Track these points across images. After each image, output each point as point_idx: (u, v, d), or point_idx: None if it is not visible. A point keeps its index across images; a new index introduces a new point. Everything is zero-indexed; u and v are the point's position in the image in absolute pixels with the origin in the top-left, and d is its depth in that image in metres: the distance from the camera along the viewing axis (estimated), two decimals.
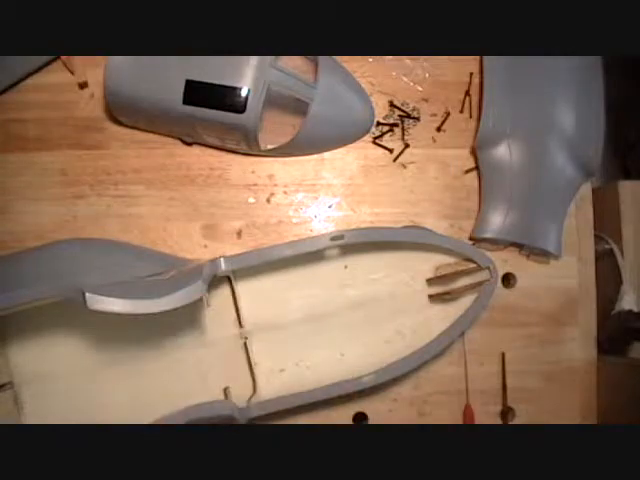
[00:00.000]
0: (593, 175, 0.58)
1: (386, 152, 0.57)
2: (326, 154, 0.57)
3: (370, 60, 0.58)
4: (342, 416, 0.55)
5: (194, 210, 0.55)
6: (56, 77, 0.55)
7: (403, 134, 0.57)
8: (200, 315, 0.50)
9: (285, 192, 0.56)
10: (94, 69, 0.54)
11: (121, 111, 0.53)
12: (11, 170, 0.55)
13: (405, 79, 0.58)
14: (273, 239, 0.55)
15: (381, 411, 0.55)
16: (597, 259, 0.59)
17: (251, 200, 0.56)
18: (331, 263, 0.52)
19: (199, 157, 0.56)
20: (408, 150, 0.57)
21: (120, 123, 0.55)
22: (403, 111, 0.57)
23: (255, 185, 0.56)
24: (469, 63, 0.59)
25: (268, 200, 0.56)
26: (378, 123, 0.57)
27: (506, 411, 0.57)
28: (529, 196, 0.56)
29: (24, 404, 0.48)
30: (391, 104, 0.57)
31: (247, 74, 0.48)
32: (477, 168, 0.58)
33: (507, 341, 0.57)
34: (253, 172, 0.56)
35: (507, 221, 0.55)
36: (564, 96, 0.56)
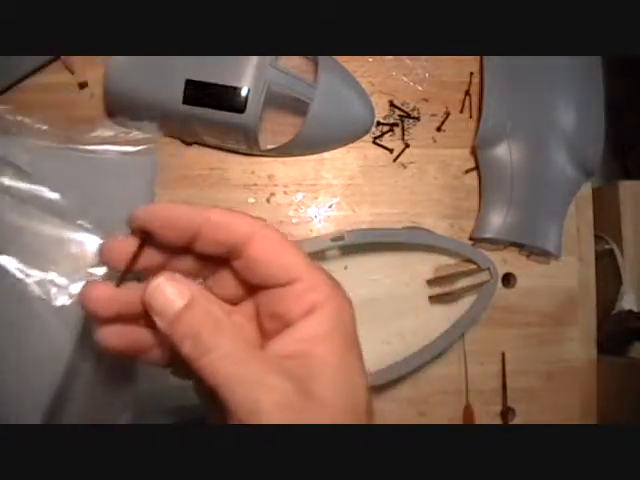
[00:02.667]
0: (593, 175, 0.58)
1: (386, 152, 0.57)
2: (326, 154, 0.57)
3: (370, 60, 0.58)
4: None
5: None
6: (56, 77, 0.55)
7: (403, 134, 0.57)
8: None
9: (285, 192, 0.56)
10: (94, 69, 0.54)
11: (121, 111, 0.53)
12: None
13: (405, 79, 0.58)
14: None
15: (381, 411, 0.56)
16: (597, 259, 0.59)
17: (251, 200, 0.56)
18: (331, 264, 0.52)
19: (199, 157, 0.56)
20: (408, 150, 0.57)
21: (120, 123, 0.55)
22: (403, 111, 0.57)
23: (255, 185, 0.56)
24: (469, 63, 0.59)
25: (268, 200, 0.56)
26: (378, 123, 0.57)
27: (506, 411, 0.57)
28: (529, 196, 0.56)
29: None
30: (391, 104, 0.57)
31: (247, 74, 0.48)
32: (477, 168, 0.57)
33: (507, 341, 0.57)
34: (253, 172, 0.56)
35: (507, 221, 0.55)
36: (564, 96, 0.56)
